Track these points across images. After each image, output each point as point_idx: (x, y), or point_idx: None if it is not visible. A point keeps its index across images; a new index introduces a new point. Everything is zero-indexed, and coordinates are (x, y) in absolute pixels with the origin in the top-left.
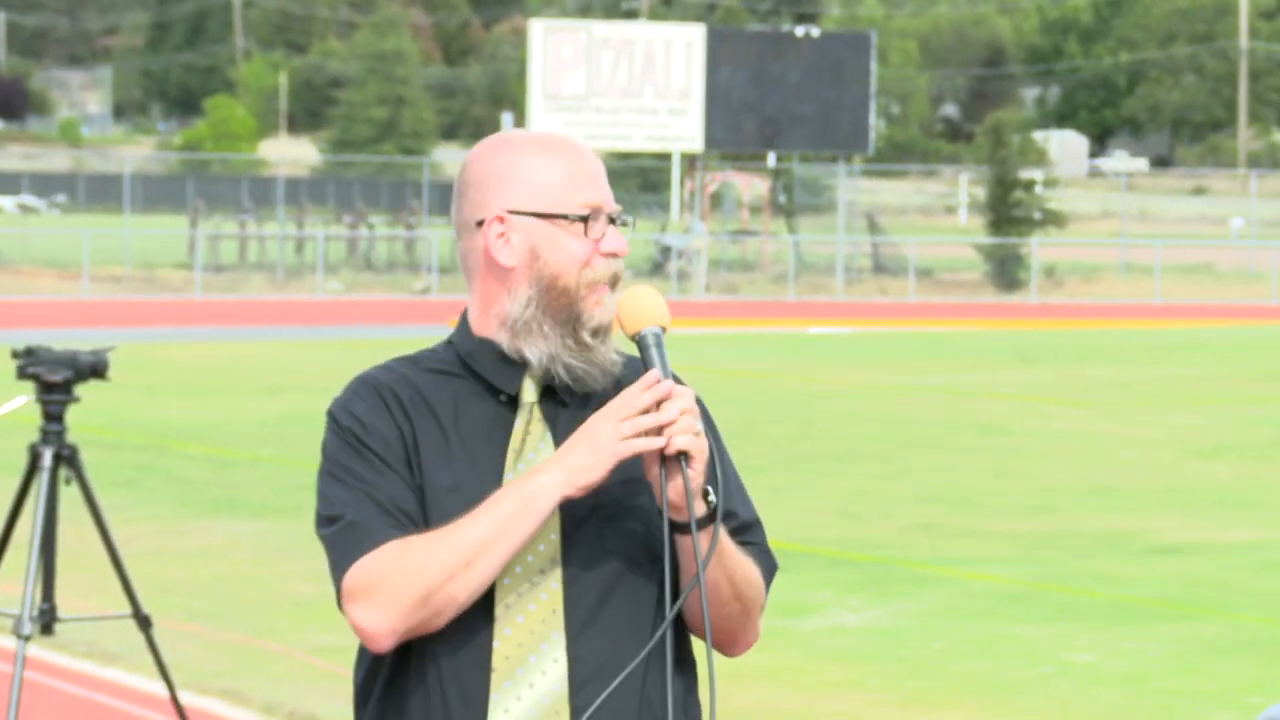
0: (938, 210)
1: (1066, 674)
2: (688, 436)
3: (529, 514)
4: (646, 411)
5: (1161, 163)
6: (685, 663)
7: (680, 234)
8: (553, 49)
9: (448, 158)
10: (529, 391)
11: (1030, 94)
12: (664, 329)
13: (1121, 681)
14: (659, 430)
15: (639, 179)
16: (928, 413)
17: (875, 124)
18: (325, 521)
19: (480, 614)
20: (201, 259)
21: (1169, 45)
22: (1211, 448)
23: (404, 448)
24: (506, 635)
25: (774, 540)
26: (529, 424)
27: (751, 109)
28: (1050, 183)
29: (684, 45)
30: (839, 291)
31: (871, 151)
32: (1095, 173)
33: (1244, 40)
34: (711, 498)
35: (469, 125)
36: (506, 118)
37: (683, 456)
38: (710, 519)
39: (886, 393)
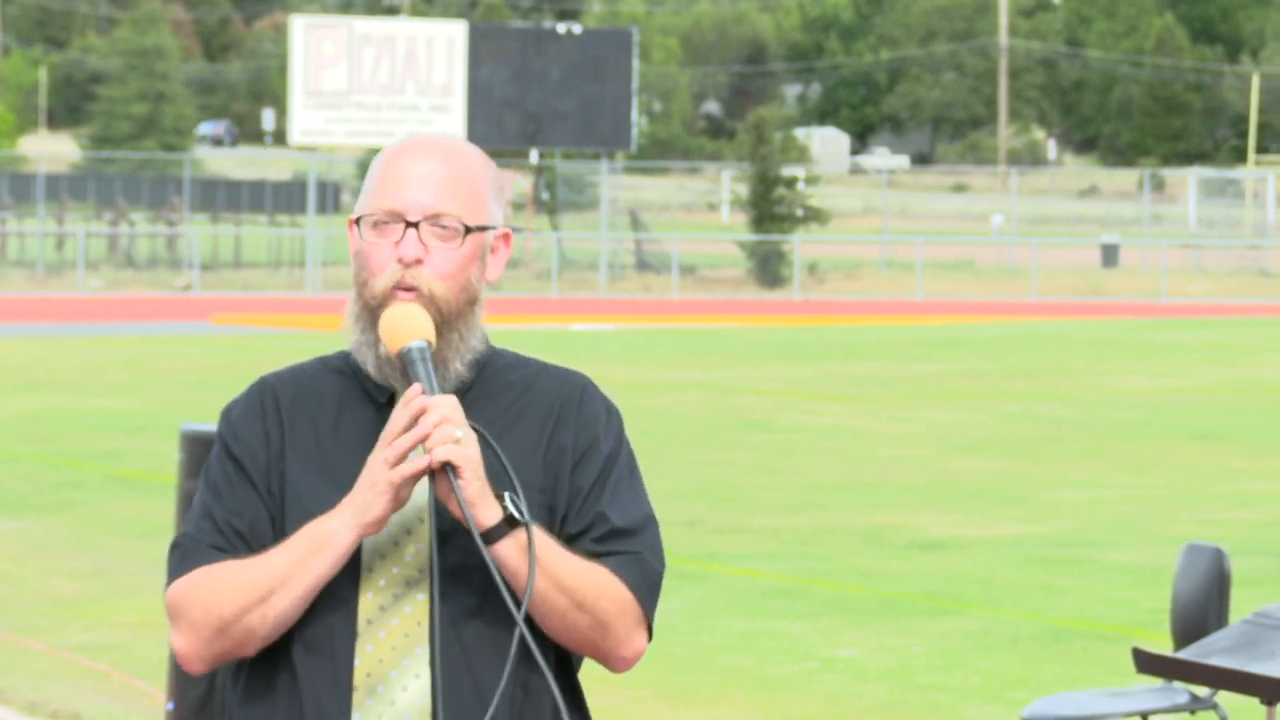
0: (700, 207)
1: (831, 669)
2: (446, 447)
3: (323, 556)
4: (407, 430)
5: (922, 160)
6: (564, 690)
7: None
8: (314, 45)
9: (208, 154)
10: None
11: (792, 91)
12: (430, 343)
13: (885, 676)
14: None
15: None
16: (691, 409)
17: (637, 121)
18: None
19: (343, 629)
20: None
21: (929, 43)
22: (973, 443)
23: (267, 454)
24: (368, 652)
25: None
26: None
27: (513, 106)
28: (812, 180)
29: (446, 42)
30: (602, 288)
31: (634, 148)
32: (857, 170)
33: (1003, 38)
34: (508, 504)
35: (230, 121)
36: (268, 114)
37: (450, 468)
38: (510, 525)
39: (650, 389)
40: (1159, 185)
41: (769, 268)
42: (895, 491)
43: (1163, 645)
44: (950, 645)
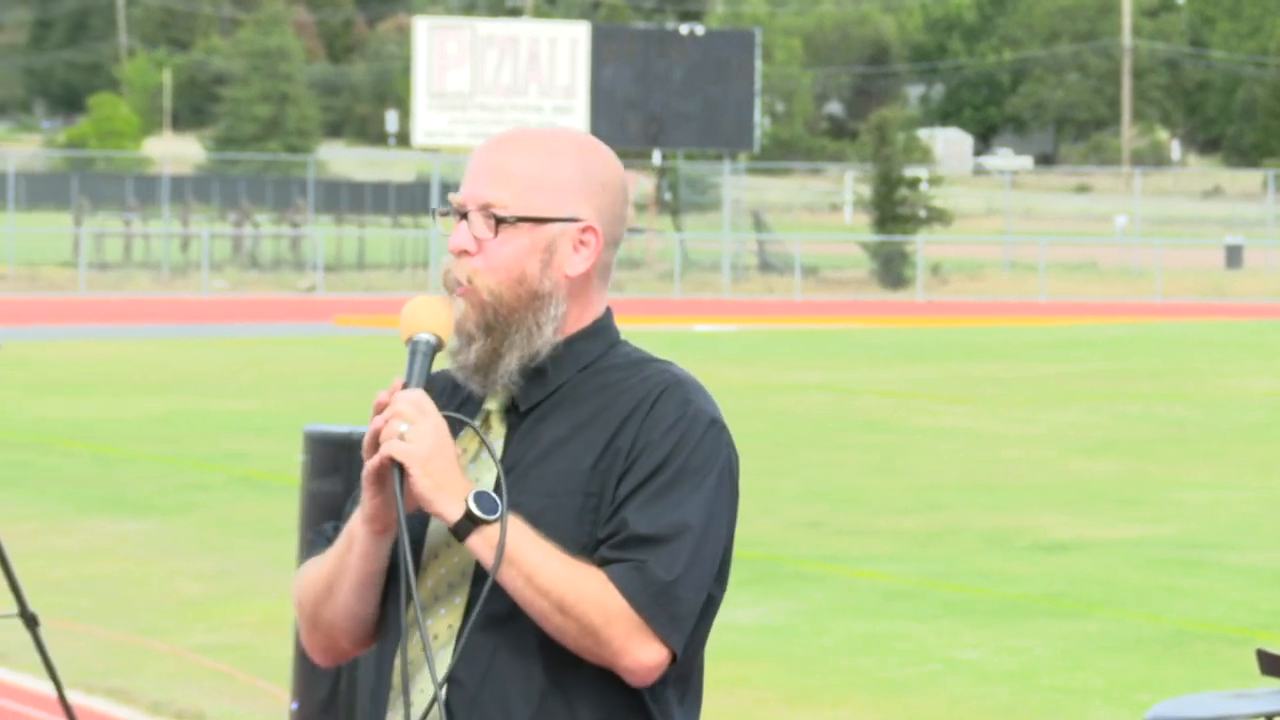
0: (823, 208)
1: (953, 671)
2: (390, 443)
3: (352, 551)
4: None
5: (1045, 160)
6: (593, 704)
7: None
8: (437, 46)
9: (332, 155)
10: (491, 397)
11: (914, 92)
12: (439, 338)
13: (1008, 678)
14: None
15: None
16: (813, 410)
17: (760, 122)
18: None
19: (395, 628)
20: (86, 257)
21: (1052, 43)
22: (1095, 445)
23: None
24: (404, 652)
25: None
26: (487, 430)
27: (636, 107)
28: (935, 180)
29: (569, 43)
30: (725, 289)
31: (756, 149)
32: (980, 170)
33: (1127, 38)
34: (469, 500)
35: (353, 123)
36: (391, 115)
37: (396, 464)
38: (472, 522)
39: (772, 390)
40: None
41: (892, 269)
42: (1016, 493)
43: None
44: (1072, 647)
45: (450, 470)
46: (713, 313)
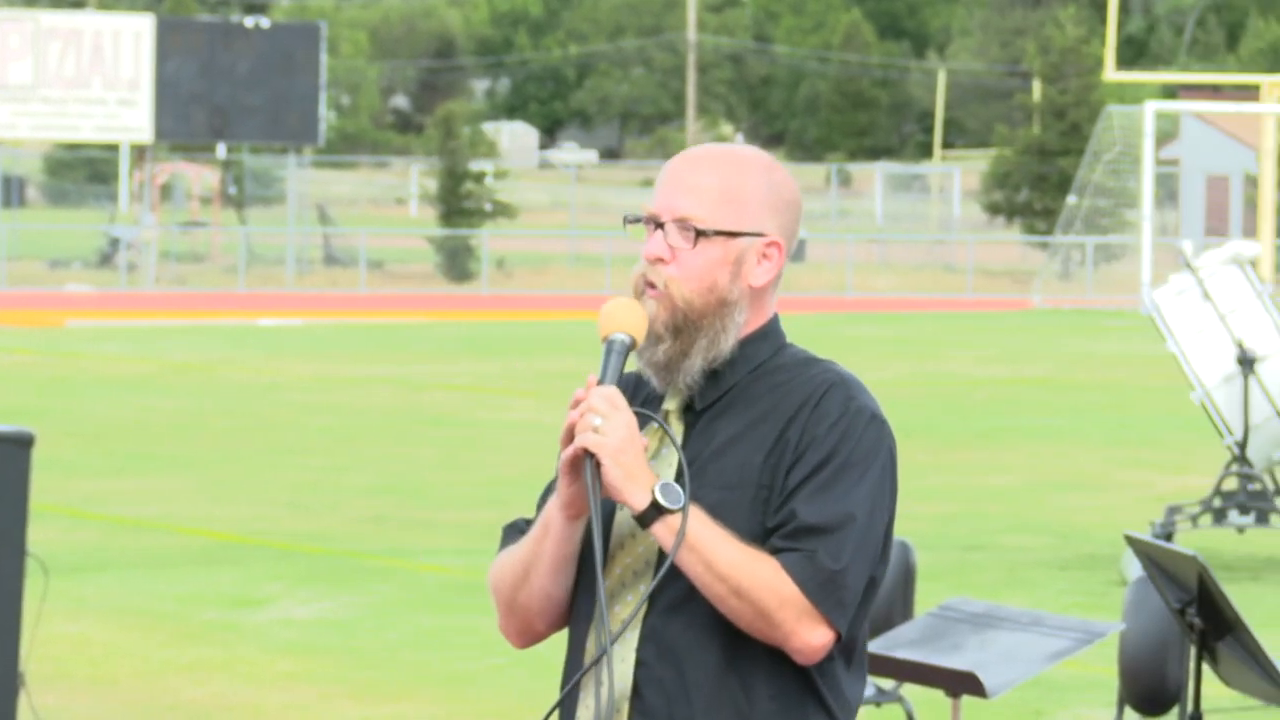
0: (388, 201)
1: (519, 664)
2: (584, 435)
3: (548, 537)
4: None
5: (611, 155)
6: (788, 696)
7: (129, 225)
8: None
9: None
10: (669, 398)
11: (480, 86)
12: (633, 338)
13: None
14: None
15: (87, 170)
16: (378, 404)
17: (325, 115)
18: None
19: (585, 614)
20: None
21: (618, 38)
22: None
23: None
24: (595, 634)
25: (221, 534)
26: (664, 429)
27: (201, 100)
28: (500, 174)
29: (132, 35)
30: (289, 283)
31: (322, 142)
32: (546, 164)
33: (692, 33)
34: (655, 491)
35: None
36: None
37: (589, 455)
38: (657, 511)
39: (337, 384)
40: (846, 180)
41: (457, 262)
42: None
43: None
44: None
45: (639, 462)
46: (277, 306)
